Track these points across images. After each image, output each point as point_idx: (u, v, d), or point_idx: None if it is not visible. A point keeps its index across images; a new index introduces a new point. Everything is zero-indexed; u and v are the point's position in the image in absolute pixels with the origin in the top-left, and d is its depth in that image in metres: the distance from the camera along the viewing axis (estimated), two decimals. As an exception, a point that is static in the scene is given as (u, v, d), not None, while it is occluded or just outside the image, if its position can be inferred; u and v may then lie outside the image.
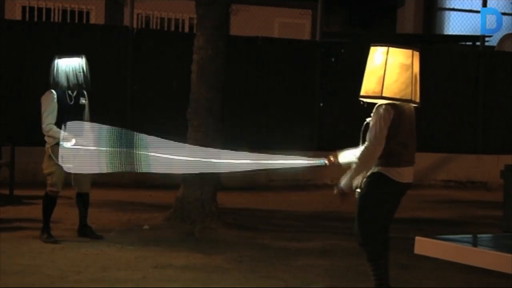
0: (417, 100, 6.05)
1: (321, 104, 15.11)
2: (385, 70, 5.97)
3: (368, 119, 6.00)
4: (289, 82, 14.97)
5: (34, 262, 7.50)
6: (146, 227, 9.51)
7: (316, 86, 15.06)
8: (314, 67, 15.08)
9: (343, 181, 5.97)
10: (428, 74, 14.95)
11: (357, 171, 5.95)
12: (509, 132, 16.28)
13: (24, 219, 9.85)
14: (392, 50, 6.00)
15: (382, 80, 5.95)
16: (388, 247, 6.18)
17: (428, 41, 20.25)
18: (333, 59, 15.02)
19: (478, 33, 16.99)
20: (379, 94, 5.96)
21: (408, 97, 5.95)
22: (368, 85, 6.05)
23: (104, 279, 6.92)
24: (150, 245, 8.51)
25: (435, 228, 10.12)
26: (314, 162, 6.72)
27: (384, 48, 6.03)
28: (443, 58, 16.26)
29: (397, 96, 5.93)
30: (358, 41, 16.46)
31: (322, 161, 6.49)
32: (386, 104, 5.92)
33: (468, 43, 19.45)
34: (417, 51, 6.06)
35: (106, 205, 10.94)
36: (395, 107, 5.92)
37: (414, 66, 6.03)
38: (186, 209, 9.78)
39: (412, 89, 5.97)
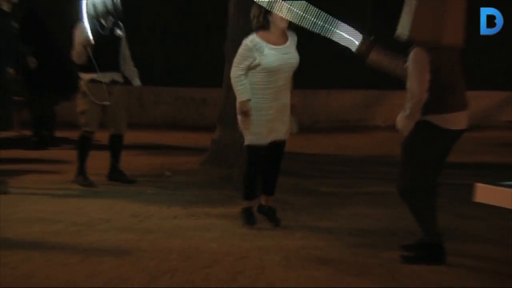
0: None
1: (372, 37, 14.98)
2: None
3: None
4: (340, 10, 14.83)
5: (59, 207, 7.66)
6: (168, 173, 9.58)
7: (367, 16, 14.93)
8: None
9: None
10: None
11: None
12: None
13: (58, 161, 10.07)
14: None
15: None
16: (436, 194, 6.17)
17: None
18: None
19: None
20: None
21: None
22: None
23: (134, 228, 7.01)
24: (184, 191, 8.64)
25: (497, 174, 10.02)
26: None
27: None
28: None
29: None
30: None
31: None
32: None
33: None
34: None
35: (138, 148, 11.01)
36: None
37: None
38: (223, 153, 9.79)
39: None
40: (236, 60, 7.00)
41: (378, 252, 6.36)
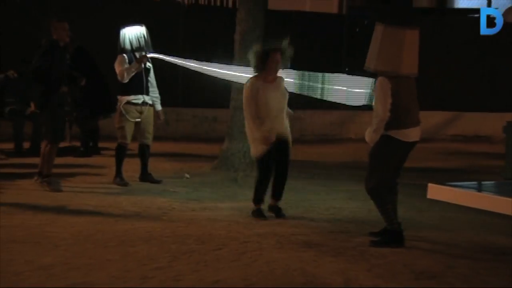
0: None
1: (347, 69, 14.99)
2: None
3: None
4: (320, 49, 14.86)
5: (101, 202, 7.63)
6: (187, 176, 9.48)
7: (342, 52, 14.93)
8: (341, 37, 14.95)
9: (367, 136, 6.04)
10: (441, 42, 14.81)
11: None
12: (511, 92, 16.03)
13: (99, 166, 10.04)
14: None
15: None
16: (396, 192, 6.19)
17: (441, 13, 19.88)
18: (357, 30, 14.84)
19: (484, 6, 16.88)
20: None
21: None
22: None
23: (161, 219, 6.97)
24: (199, 190, 8.58)
25: (446, 176, 10.03)
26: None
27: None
28: (455, 27, 16.01)
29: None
30: (380, 14, 16.28)
31: None
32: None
33: (475, 15, 19.09)
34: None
35: (163, 156, 11.00)
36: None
37: None
38: (230, 159, 9.81)
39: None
40: (245, 102, 7.00)
41: (352, 238, 6.35)
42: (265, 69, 7.02)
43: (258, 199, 7.20)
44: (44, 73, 8.05)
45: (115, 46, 8.74)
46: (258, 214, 7.14)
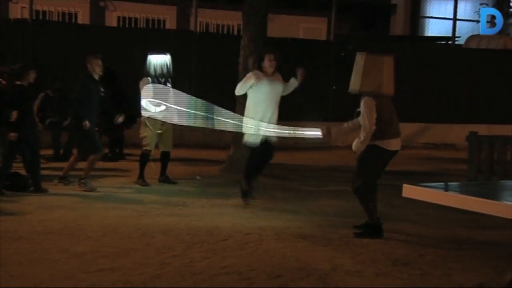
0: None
1: (334, 87, 14.99)
2: None
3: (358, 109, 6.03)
4: (310, 71, 14.83)
5: (126, 200, 7.61)
6: (198, 177, 9.42)
7: (330, 73, 14.93)
8: (329, 60, 14.96)
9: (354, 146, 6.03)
10: (413, 65, 14.81)
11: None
12: (472, 107, 16.06)
13: (125, 170, 9.98)
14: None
15: None
16: (376, 191, 6.16)
17: (413, 40, 19.93)
18: (343, 54, 14.83)
19: (449, 35, 16.96)
20: None
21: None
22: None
23: (176, 214, 6.95)
24: (209, 189, 8.54)
25: (418, 177, 10.01)
26: (313, 133, 6.87)
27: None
28: (425, 52, 16.03)
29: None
30: (361, 40, 16.36)
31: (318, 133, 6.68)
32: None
33: (442, 42, 19.15)
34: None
35: (178, 160, 10.96)
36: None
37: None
38: (235, 163, 9.77)
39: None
40: (238, 85, 7.29)
41: (338, 230, 6.32)
42: (261, 69, 7.17)
43: (247, 179, 7.30)
44: (81, 103, 8.13)
45: (136, 68, 8.72)
46: (246, 194, 7.31)
